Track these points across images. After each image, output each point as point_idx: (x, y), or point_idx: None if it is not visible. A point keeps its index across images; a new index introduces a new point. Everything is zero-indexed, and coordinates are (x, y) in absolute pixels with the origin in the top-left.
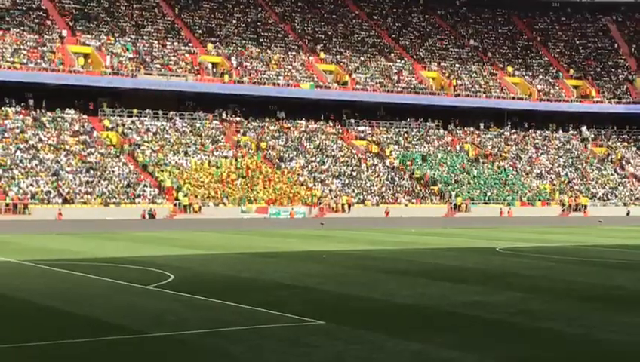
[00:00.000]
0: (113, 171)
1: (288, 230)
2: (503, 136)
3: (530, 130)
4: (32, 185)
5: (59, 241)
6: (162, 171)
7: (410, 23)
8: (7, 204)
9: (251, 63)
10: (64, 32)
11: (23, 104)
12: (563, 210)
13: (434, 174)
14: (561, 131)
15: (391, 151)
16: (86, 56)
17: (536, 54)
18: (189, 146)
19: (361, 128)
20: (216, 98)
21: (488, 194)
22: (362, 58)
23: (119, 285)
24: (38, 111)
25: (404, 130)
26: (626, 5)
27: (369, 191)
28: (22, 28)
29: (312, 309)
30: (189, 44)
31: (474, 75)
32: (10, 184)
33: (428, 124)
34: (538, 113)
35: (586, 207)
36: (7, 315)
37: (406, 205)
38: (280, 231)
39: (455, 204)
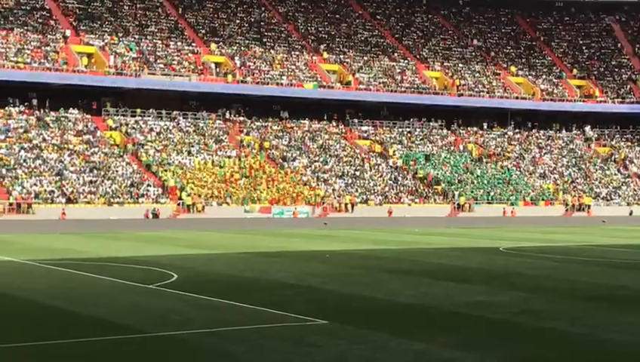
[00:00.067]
0: (117, 171)
1: (291, 230)
2: (507, 136)
3: (534, 130)
4: (35, 184)
5: (62, 241)
6: (166, 171)
7: (413, 22)
8: (10, 204)
9: (255, 63)
10: (68, 32)
11: (26, 104)
12: (566, 210)
13: (437, 174)
14: (564, 131)
15: (394, 151)
16: (89, 56)
17: (540, 54)
18: (193, 146)
19: (364, 128)
20: (219, 98)
21: (492, 193)
22: (365, 58)
23: (123, 284)
24: (42, 110)
25: (408, 129)
26: (629, 5)
27: (372, 191)
28: (25, 28)
29: (316, 309)
30: (193, 44)
31: (477, 74)
32: (13, 183)
33: (431, 123)
34: (541, 113)
35: (589, 206)
36: (11, 315)
37: (409, 205)
38: (283, 230)
39: (458, 204)
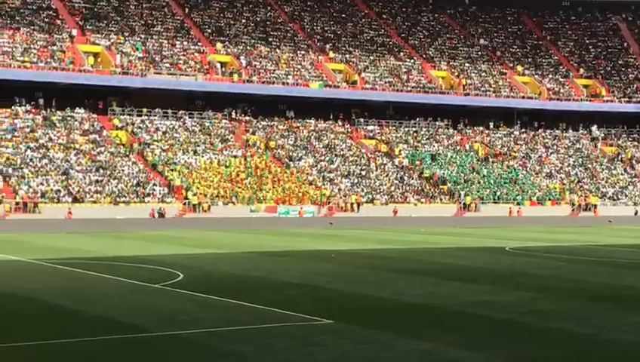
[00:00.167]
0: (123, 170)
1: (297, 229)
2: (513, 136)
3: (540, 130)
4: (42, 184)
5: (69, 240)
6: (172, 170)
7: (419, 22)
8: (17, 203)
9: (260, 63)
10: (74, 32)
11: (33, 103)
12: (573, 210)
13: (443, 173)
14: (570, 130)
15: (400, 151)
16: (96, 55)
17: (546, 53)
18: (199, 145)
19: (370, 127)
20: (225, 97)
21: (498, 193)
22: (371, 57)
23: (129, 284)
24: (48, 110)
25: (414, 129)
26: (636, 4)
27: (378, 191)
28: (32, 27)
29: (321, 308)
30: (199, 44)
31: (483, 74)
32: (20, 183)
33: (437, 123)
34: (548, 112)
35: (596, 206)
36: (18, 314)
37: (415, 204)
38: (289, 230)
39: (464, 204)
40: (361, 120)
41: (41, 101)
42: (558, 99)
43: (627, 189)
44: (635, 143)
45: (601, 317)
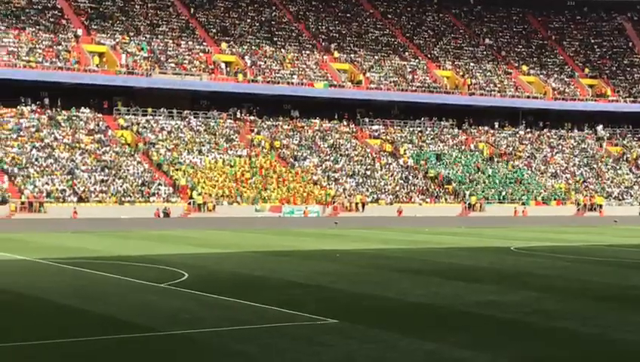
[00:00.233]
0: (128, 170)
1: (302, 229)
2: (518, 135)
3: (545, 129)
4: (47, 183)
5: (74, 240)
6: (177, 170)
7: (424, 21)
8: (22, 203)
9: (265, 62)
10: (79, 31)
11: (38, 103)
12: (578, 210)
13: (448, 173)
14: (576, 130)
15: (405, 150)
16: (101, 55)
17: (551, 53)
18: (204, 145)
19: (375, 127)
20: (230, 97)
21: (503, 193)
22: (376, 57)
23: (134, 283)
24: (54, 110)
25: (419, 129)
26: None
27: (383, 191)
28: (37, 27)
29: (326, 308)
30: (204, 43)
31: (488, 73)
32: (25, 182)
33: (442, 123)
34: (553, 112)
35: (601, 206)
36: (23, 313)
37: (420, 204)
38: (294, 230)
39: (469, 204)
40: (366, 120)
41: (46, 101)
42: (563, 99)
43: (632, 189)
44: None
45: (607, 317)
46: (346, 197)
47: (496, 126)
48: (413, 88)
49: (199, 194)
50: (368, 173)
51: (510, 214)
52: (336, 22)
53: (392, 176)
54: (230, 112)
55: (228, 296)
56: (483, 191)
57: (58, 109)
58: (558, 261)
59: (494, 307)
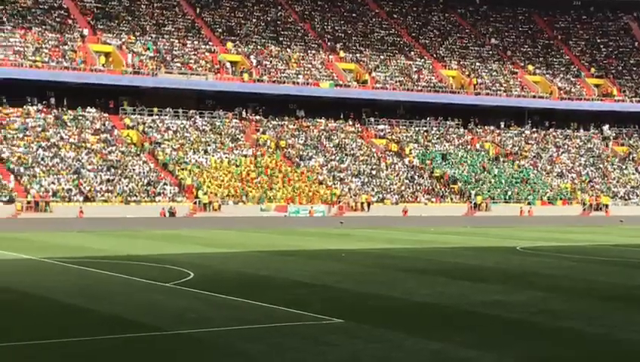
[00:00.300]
0: (134, 169)
1: (307, 228)
2: (524, 135)
3: (551, 129)
4: (53, 183)
5: (80, 239)
6: (182, 169)
7: (430, 21)
8: (28, 202)
9: (271, 62)
10: (85, 31)
11: (44, 102)
12: (584, 210)
13: (454, 173)
14: (582, 130)
15: (410, 150)
16: (107, 54)
17: (557, 53)
18: (209, 145)
19: (380, 127)
20: (235, 97)
21: (509, 193)
22: (382, 57)
23: (139, 283)
24: (60, 109)
25: (424, 128)
26: None
27: (388, 190)
28: (43, 27)
29: (331, 308)
30: (209, 43)
31: (494, 73)
32: (32, 182)
33: (448, 122)
34: (559, 112)
35: (607, 206)
36: (29, 312)
37: (426, 204)
38: (299, 229)
39: (475, 203)
40: (372, 119)
41: (52, 100)
42: (569, 99)
43: (638, 189)
44: None
45: (613, 317)
46: (351, 197)
47: (502, 126)
48: (419, 88)
49: (205, 194)
50: (374, 172)
51: (516, 214)
52: (342, 22)
53: (397, 175)
54: (236, 112)
55: (234, 296)
56: (489, 191)
57: (64, 109)
58: (564, 261)
59: (500, 307)
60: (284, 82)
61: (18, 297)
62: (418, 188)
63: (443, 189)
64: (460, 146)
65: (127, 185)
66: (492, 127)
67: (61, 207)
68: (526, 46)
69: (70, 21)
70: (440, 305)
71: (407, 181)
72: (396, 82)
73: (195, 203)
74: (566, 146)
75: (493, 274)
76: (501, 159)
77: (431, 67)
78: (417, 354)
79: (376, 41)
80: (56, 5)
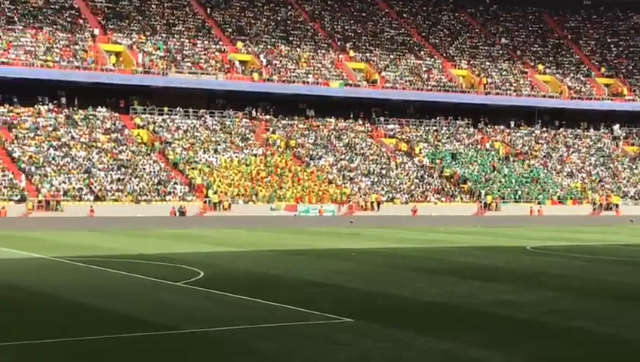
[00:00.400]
0: (144, 169)
1: (317, 228)
2: (534, 135)
3: (561, 129)
4: (64, 182)
5: (90, 238)
6: (192, 169)
7: (440, 21)
8: (39, 201)
9: (281, 61)
10: (96, 31)
11: (55, 102)
12: (594, 209)
13: (464, 172)
14: (592, 130)
15: (420, 150)
16: (118, 54)
17: (568, 52)
18: (219, 144)
19: (390, 126)
20: (245, 96)
21: (519, 192)
22: (392, 56)
23: (150, 282)
24: (71, 109)
25: (434, 128)
26: None
27: (398, 190)
28: (54, 27)
29: (341, 307)
30: (220, 43)
31: (504, 73)
32: (43, 181)
33: (458, 122)
34: (569, 111)
35: (617, 205)
36: (40, 311)
37: (435, 203)
38: (309, 228)
39: (485, 203)
40: (382, 119)
41: (63, 100)
42: (579, 98)
43: None
44: None
45: (623, 316)
46: (361, 196)
47: (512, 125)
48: (429, 87)
49: (215, 193)
50: (384, 172)
51: (526, 213)
52: (352, 21)
53: (407, 175)
54: (246, 111)
55: (243, 295)
56: (499, 191)
57: (75, 108)
58: (574, 260)
59: (510, 306)
60: (294, 82)
61: (28, 296)
62: (428, 187)
63: (453, 189)
64: (470, 146)
65: (137, 185)
66: (502, 127)
67: (72, 206)
68: (536, 45)
69: (81, 21)
70: (450, 304)
71: (417, 180)
72: (406, 82)
73: (205, 202)
74: (576, 146)
75: (503, 273)
76: (511, 159)
77: (441, 67)
78: (427, 353)
79: (386, 40)
80: (67, 5)
